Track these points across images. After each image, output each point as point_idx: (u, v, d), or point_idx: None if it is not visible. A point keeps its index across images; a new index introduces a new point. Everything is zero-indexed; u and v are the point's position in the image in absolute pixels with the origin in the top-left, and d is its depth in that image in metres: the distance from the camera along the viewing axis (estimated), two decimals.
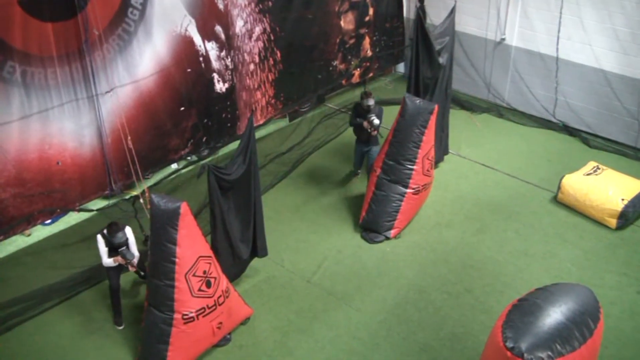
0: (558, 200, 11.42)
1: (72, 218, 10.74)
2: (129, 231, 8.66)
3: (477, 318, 9.01)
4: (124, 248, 8.57)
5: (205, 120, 11.04)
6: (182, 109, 10.55)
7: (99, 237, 8.59)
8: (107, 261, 8.58)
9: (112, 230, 8.47)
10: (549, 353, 6.13)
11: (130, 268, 8.65)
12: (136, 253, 8.69)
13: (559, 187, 11.39)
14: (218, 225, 8.58)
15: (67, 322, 9.05)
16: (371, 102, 11.12)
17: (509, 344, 6.23)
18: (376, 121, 10.99)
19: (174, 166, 11.49)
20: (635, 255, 10.23)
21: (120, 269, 8.77)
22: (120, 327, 8.97)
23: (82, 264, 9.79)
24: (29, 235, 10.45)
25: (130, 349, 8.56)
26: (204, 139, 11.12)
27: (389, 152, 10.35)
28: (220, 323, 8.10)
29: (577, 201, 11.12)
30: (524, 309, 6.60)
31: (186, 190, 11.10)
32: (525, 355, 6.12)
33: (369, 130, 11.09)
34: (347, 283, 9.72)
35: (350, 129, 11.75)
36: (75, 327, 8.97)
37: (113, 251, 8.60)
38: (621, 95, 12.83)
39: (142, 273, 8.80)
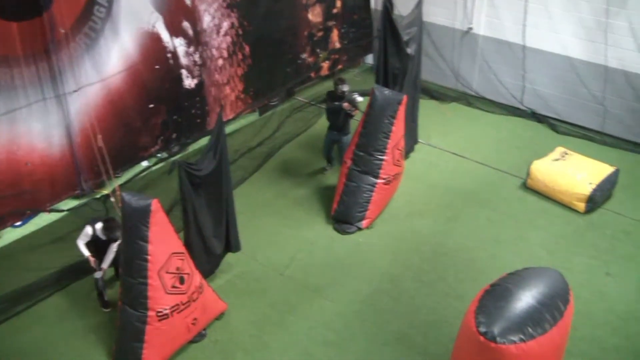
0: (527, 186, 11.56)
1: (43, 219, 10.62)
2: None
3: (451, 305, 9.10)
4: (99, 272, 8.73)
5: (175, 117, 11.00)
6: (151, 106, 10.51)
7: (88, 227, 8.62)
8: (83, 250, 8.64)
9: (111, 227, 8.50)
10: (521, 336, 6.22)
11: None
12: (111, 257, 8.74)
13: (528, 173, 11.52)
14: (190, 221, 8.57)
15: (41, 325, 8.95)
16: (346, 88, 11.16)
17: (482, 329, 6.31)
18: (359, 98, 11.00)
19: (145, 164, 11.42)
20: (604, 238, 10.42)
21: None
22: (107, 310, 8.99)
23: (54, 265, 9.70)
24: None
25: (106, 348, 8.50)
26: (174, 136, 11.09)
27: (359, 143, 10.39)
28: (195, 319, 8.09)
29: (546, 187, 11.25)
30: (496, 294, 6.68)
31: (157, 187, 11.04)
32: (498, 339, 6.20)
33: (349, 110, 11.09)
34: (320, 275, 9.76)
35: (321, 122, 11.76)
36: (50, 329, 8.88)
37: (92, 244, 8.69)
38: (587, 82, 13.00)
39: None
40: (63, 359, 8.47)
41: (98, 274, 8.73)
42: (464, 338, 6.82)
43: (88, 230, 8.61)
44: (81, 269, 9.44)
